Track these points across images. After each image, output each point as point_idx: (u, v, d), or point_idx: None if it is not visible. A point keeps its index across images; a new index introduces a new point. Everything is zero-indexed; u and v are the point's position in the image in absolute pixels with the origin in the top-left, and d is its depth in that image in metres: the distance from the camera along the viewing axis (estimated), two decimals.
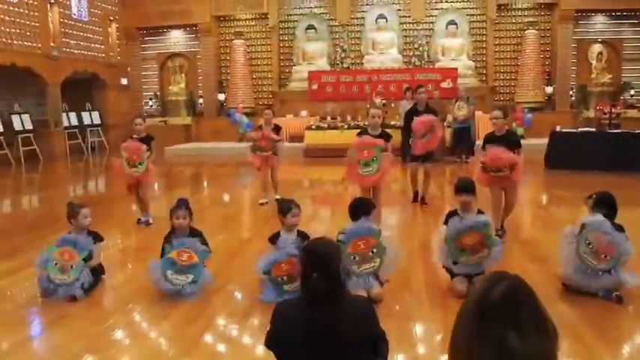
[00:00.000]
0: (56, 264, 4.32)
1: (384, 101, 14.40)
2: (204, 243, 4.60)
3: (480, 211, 4.34)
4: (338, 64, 17.24)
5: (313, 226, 6.68)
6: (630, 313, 3.96)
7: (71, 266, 4.34)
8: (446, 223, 4.39)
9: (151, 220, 6.82)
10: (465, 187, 4.32)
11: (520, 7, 16.97)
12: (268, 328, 2.17)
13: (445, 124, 12.64)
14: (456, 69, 15.89)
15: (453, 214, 4.39)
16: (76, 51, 16.17)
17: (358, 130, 6.71)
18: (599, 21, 16.87)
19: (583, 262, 4.06)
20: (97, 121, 17.18)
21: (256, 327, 3.73)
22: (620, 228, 4.18)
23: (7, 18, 13.48)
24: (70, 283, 4.31)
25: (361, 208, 4.23)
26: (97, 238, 4.76)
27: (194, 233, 4.62)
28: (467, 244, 4.08)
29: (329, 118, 15.00)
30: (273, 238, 4.41)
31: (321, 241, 2.16)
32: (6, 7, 13.48)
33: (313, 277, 1.96)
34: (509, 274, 1.27)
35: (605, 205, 4.25)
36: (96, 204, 8.91)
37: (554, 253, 5.02)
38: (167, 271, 4.25)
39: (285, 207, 4.38)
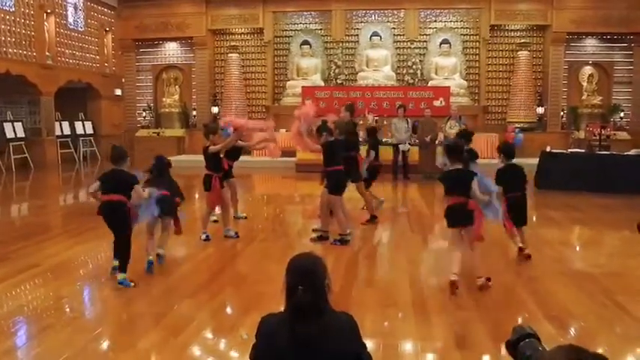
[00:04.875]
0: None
1: (376, 118, 14.49)
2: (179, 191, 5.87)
3: None
4: (332, 80, 17.37)
5: (303, 240, 6.70)
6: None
7: None
8: None
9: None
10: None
11: (513, 28, 17.19)
12: (253, 342, 2.19)
13: (437, 142, 12.73)
14: (449, 87, 16.03)
15: None
16: (70, 61, 16.21)
17: None
18: (590, 44, 17.11)
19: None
20: (89, 131, 17.19)
21: (243, 340, 3.73)
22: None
23: (2, 26, 13.52)
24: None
25: None
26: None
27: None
28: None
29: None
30: None
31: (305, 256, 2.18)
32: (2, 15, 13.53)
33: (298, 290, 1.98)
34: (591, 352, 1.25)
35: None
36: (87, 214, 8.90)
37: (542, 274, 5.08)
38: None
39: None
